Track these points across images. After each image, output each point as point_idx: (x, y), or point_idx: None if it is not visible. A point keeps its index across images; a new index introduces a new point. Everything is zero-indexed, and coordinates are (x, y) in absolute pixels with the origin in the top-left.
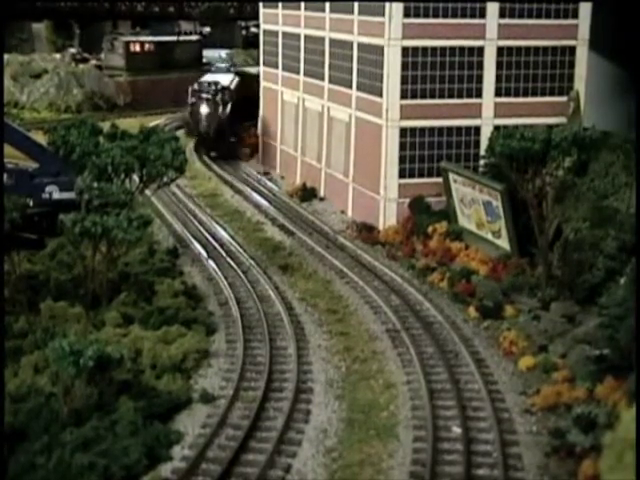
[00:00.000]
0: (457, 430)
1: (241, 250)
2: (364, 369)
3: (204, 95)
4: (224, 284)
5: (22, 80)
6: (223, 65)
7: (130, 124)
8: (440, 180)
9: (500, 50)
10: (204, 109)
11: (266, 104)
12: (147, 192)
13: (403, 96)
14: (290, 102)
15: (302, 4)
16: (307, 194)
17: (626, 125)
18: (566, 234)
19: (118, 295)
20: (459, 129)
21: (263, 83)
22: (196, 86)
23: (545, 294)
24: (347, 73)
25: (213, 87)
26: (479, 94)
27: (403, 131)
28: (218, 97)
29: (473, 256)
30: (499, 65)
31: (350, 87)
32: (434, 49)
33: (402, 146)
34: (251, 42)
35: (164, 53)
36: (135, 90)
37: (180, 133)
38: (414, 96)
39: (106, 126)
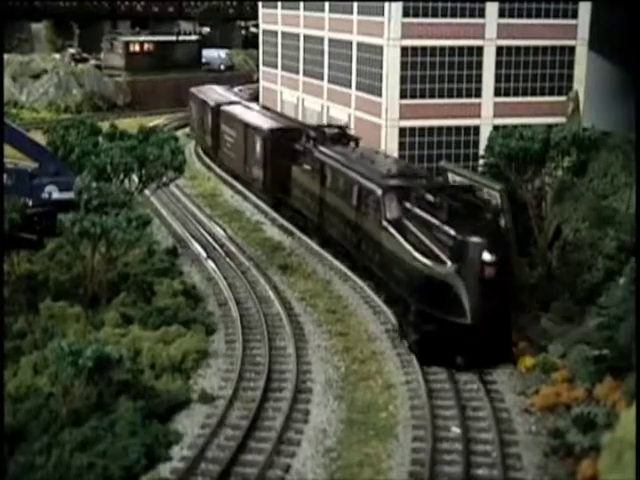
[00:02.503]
0: (456, 430)
1: (240, 250)
2: (363, 369)
3: (476, 228)
4: (223, 284)
5: (22, 80)
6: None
7: (129, 124)
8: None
9: (499, 50)
10: (487, 256)
11: (265, 104)
12: (146, 192)
13: (402, 96)
14: (290, 102)
15: (301, 4)
16: None
17: (626, 125)
18: (565, 234)
19: (117, 295)
20: (458, 129)
21: (263, 83)
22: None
23: (544, 294)
24: (346, 73)
25: (454, 193)
26: (478, 94)
27: (402, 131)
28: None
29: None
30: (498, 65)
31: (349, 87)
32: (433, 49)
33: (401, 146)
34: (250, 42)
35: (163, 53)
36: (134, 90)
37: (180, 133)
38: (413, 96)
39: (105, 126)
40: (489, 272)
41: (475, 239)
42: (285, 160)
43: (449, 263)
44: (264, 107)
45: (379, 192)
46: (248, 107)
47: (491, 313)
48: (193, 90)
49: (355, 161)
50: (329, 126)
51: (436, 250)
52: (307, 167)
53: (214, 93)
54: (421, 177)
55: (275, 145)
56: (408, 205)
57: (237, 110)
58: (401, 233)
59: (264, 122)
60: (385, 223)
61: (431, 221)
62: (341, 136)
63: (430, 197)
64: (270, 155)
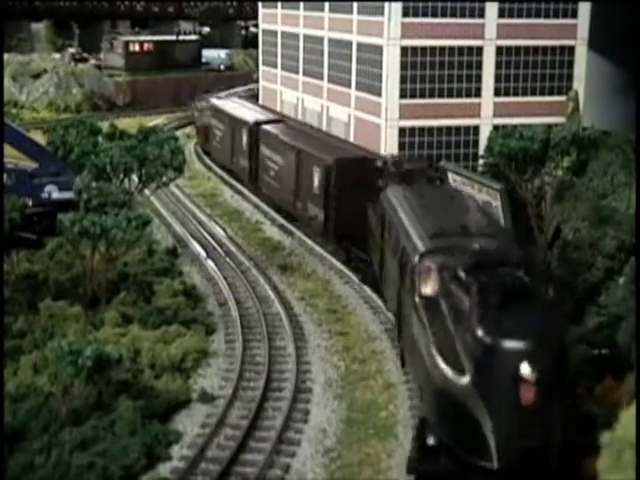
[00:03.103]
0: None
1: (240, 250)
2: (363, 369)
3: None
4: (223, 284)
5: (21, 80)
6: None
7: (129, 124)
8: None
9: (499, 50)
10: (526, 370)
11: (265, 104)
12: (146, 192)
13: (402, 96)
14: (289, 102)
15: (301, 4)
16: None
17: (626, 125)
18: (565, 234)
19: (117, 295)
20: (458, 129)
21: (263, 83)
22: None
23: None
24: (346, 73)
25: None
26: (478, 94)
27: (402, 131)
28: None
29: None
30: (498, 65)
31: (349, 87)
32: (433, 48)
33: (401, 146)
34: (250, 42)
35: (163, 53)
36: (134, 90)
37: (179, 133)
38: (413, 96)
39: (105, 126)
40: (527, 395)
41: (509, 343)
42: (355, 198)
43: (468, 376)
44: (309, 125)
45: (415, 257)
46: (294, 128)
47: (529, 455)
48: (215, 102)
49: (416, 209)
50: (412, 159)
51: (460, 354)
52: (376, 210)
53: (243, 107)
54: (486, 237)
55: (342, 179)
56: (448, 279)
57: (283, 131)
58: (431, 319)
59: (324, 148)
60: (418, 300)
61: (461, 308)
62: (423, 172)
63: (462, 273)
64: (335, 191)
